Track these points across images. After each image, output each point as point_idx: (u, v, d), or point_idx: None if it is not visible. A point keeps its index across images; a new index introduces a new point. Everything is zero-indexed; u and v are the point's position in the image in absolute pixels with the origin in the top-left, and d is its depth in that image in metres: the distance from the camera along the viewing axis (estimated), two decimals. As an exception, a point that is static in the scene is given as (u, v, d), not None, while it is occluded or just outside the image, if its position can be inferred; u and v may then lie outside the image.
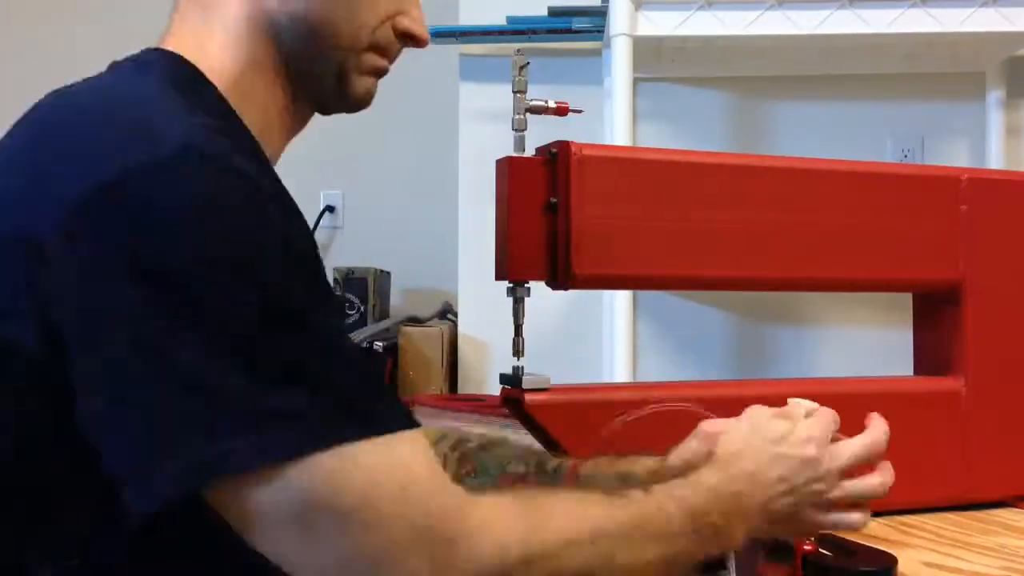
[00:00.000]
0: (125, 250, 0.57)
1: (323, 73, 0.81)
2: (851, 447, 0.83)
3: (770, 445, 0.80)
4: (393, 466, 0.59)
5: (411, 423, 0.63)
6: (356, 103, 0.85)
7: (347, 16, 0.80)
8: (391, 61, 0.85)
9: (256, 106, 0.78)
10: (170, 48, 0.76)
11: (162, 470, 0.56)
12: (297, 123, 0.85)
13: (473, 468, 0.94)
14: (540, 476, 0.92)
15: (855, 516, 0.83)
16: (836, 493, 0.81)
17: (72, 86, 0.72)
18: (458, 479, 0.78)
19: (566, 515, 0.66)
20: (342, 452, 0.57)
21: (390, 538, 0.58)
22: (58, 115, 0.68)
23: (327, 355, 0.61)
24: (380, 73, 0.85)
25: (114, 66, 0.77)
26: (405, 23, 0.84)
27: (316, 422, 0.58)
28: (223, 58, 0.76)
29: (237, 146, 0.65)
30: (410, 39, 0.85)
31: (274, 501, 0.57)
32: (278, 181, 0.70)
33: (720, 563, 0.77)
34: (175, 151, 0.59)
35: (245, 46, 0.77)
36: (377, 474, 0.58)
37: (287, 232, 0.62)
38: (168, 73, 0.72)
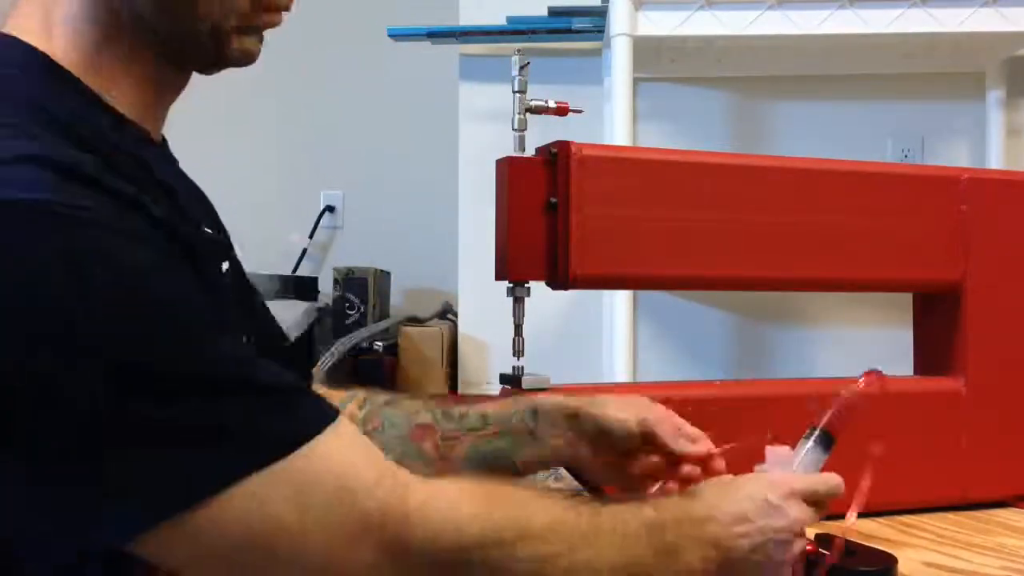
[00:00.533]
0: None
1: (199, 33, 0.74)
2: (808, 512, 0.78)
3: (741, 490, 0.76)
4: (319, 473, 0.59)
5: (327, 412, 0.62)
6: (232, 62, 0.78)
7: None
8: (277, 15, 0.79)
9: (123, 84, 0.72)
10: (13, 32, 0.69)
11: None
12: (175, 88, 0.79)
13: (380, 423, 0.93)
14: (446, 423, 0.91)
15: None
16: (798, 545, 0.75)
17: None
18: (370, 436, 0.77)
19: (522, 505, 0.66)
20: (264, 478, 0.57)
21: (327, 543, 0.58)
22: None
23: (220, 392, 0.58)
24: (260, 33, 0.79)
25: None
26: None
27: (229, 457, 0.57)
28: (73, 37, 0.69)
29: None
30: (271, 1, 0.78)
31: (202, 546, 0.57)
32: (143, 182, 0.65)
33: None
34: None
35: (96, 19, 0.70)
36: (304, 486, 0.58)
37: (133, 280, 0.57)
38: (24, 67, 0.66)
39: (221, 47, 0.76)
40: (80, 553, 0.59)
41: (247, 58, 0.78)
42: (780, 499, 0.75)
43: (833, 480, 0.81)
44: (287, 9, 0.80)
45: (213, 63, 0.78)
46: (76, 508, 0.55)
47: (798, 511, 0.75)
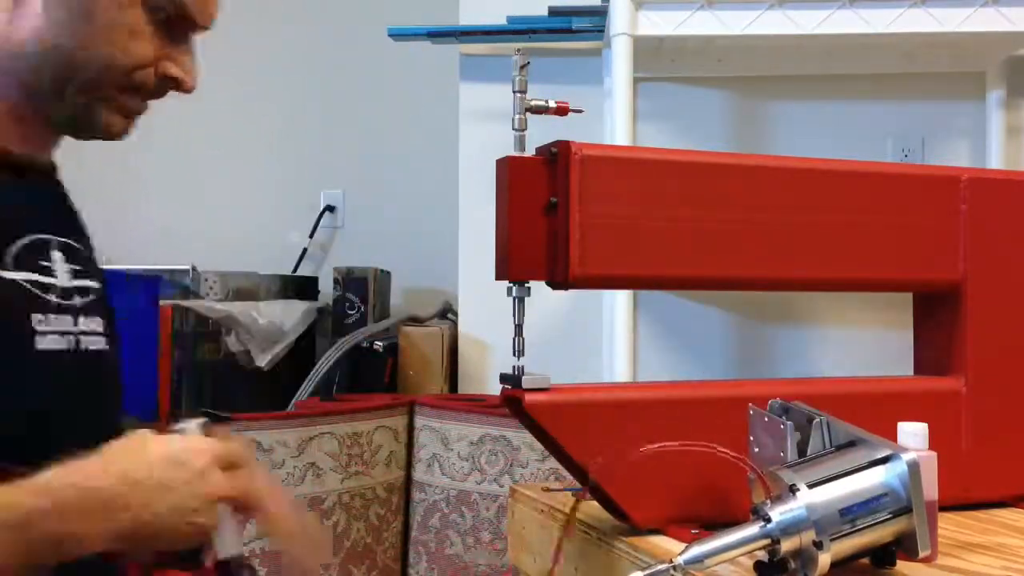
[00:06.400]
0: None
1: (67, 103, 0.83)
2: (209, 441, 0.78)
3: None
4: None
5: None
6: (101, 136, 0.87)
7: (101, 54, 0.82)
8: (149, 98, 0.87)
9: None
10: None
11: None
12: (40, 144, 0.88)
13: None
14: None
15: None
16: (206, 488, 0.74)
17: None
18: None
19: None
20: None
21: None
22: None
23: None
24: (132, 114, 0.87)
25: None
26: (171, 70, 0.86)
27: None
28: None
29: None
30: (174, 84, 0.87)
31: None
32: None
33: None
34: None
35: None
36: None
37: None
38: None
39: (90, 115, 0.84)
40: None
41: (113, 132, 0.86)
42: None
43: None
44: (158, 97, 0.87)
45: (83, 128, 0.86)
46: None
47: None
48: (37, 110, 0.85)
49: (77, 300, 0.89)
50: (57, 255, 0.89)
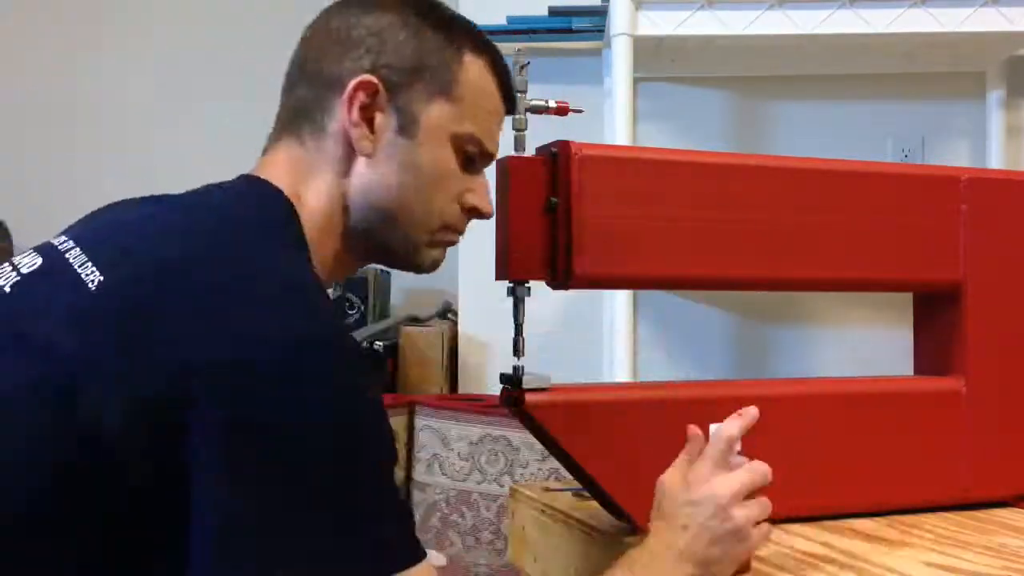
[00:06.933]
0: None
1: (396, 248, 0.91)
2: (728, 483, 0.86)
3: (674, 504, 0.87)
4: None
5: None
6: (425, 271, 0.93)
7: (422, 205, 0.88)
8: (461, 232, 0.94)
9: (320, 255, 0.86)
10: (270, 179, 0.86)
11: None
12: (348, 273, 0.95)
13: None
14: None
15: (763, 528, 0.87)
16: (729, 524, 0.84)
17: (195, 217, 0.80)
18: None
19: None
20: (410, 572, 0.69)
21: None
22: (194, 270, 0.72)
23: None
24: (449, 244, 0.93)
25: (232, 196, 0.85)
26: (472, 201, 0.92)
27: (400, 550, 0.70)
28: (313, 208, 0.86)
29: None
30: (475, 213, 0.93)
31: None
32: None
33: None
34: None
35: (328, 209, 0.87)
36: None
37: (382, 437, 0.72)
38: (277, 219, 0.83)
39: (414, 256, 0.92)
40: None
41: (434, 267, 0.94)
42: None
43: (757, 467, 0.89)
44: (482, 217, 0.95)
45: (404, 267, 0.94)
46: None
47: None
48: (358, 254, 0.91)
49: None
50: None
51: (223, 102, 2.67)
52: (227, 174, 0.89)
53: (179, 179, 0.96)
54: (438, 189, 0.89)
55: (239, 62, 2.65)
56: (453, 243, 0.94)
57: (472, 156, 0.91)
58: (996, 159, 1.95)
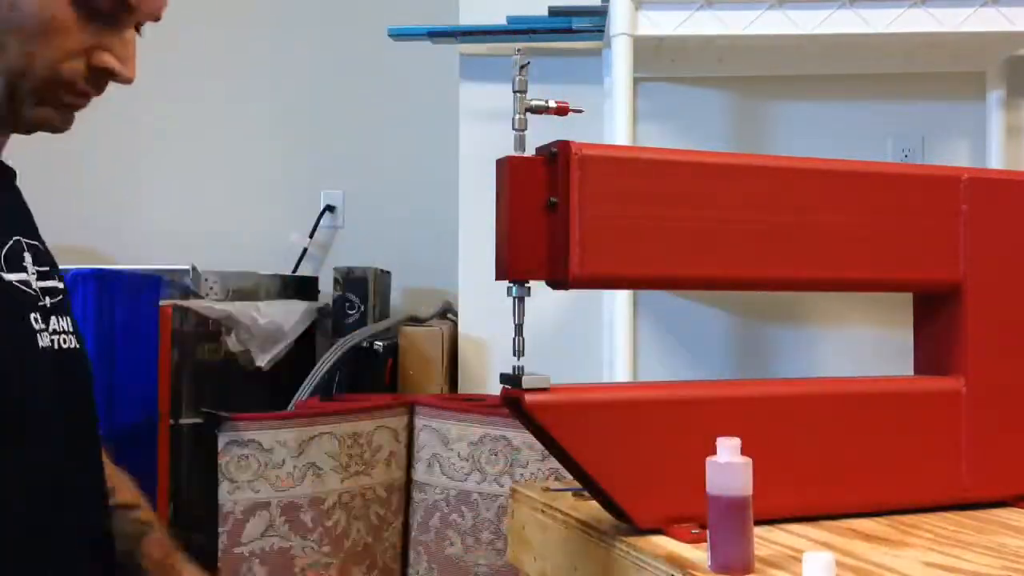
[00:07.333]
0: None
1: None
2: None
3: None
4: None
5: None
6: (29, 129, 0.84)
7: (21, 46, 0.78)
8: (86, 95, 0.83)
9: None
10: None
11: None
12: None
13: None
14: None
15: None
16: None
17: None
18: None
19: None
20: None
21: None
22: None
23: None
24: (66, 106, 0.83)
25: None
26: (104, 59, 0.82)
27: None
28: None
29: None
30: (110, 75, 0.83)
31: None
32: None
33: None
34: None
35: None
36: None
37: None
38: None
39: (18, 109, 0.80)
40: None
41: (41, 126, 0.83)
42: None
43: None
44: (97, 94, 0.83)
45: (7, 121, 0.82)
46: None
47: None
48: None
49: (48, 300, 0.89)
50: (28, 257, 0.89)
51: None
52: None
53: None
54: (47, 40, 0.78)
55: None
56: (78, 106, 0.84)
57: (97, 7, 0.81)
58: (996, 159, 1.95)
